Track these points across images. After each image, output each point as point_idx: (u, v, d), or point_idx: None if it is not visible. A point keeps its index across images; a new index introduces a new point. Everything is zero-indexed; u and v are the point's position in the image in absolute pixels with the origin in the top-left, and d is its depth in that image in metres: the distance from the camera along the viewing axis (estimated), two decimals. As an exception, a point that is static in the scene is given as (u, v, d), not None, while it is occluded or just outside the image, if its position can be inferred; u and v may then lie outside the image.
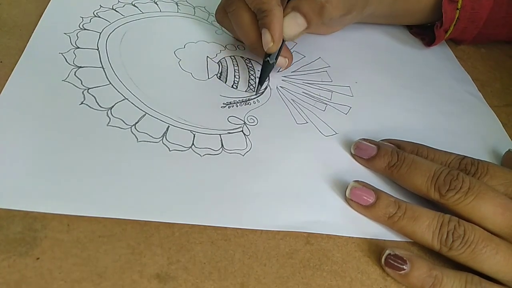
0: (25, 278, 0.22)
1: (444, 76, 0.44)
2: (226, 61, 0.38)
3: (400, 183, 0.31)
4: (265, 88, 0.37)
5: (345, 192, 0.30)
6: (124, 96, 0.32)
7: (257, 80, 0.37)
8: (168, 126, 0.31)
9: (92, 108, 0.31)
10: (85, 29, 0.36)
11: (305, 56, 0.41)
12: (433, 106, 0.40)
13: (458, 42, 0.49)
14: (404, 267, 0.26)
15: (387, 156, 0.31)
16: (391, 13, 0.44)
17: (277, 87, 0.37)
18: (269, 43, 0.33)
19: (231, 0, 0.35)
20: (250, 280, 0.25)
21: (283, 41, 0.34)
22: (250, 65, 0.38)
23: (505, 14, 0.45)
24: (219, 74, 0.36)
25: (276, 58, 0.35)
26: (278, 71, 0.38)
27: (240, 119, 0.33)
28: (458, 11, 0.43)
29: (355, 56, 0.43)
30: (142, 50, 0.36)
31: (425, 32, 0.47)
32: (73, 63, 0.33)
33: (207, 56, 0.38)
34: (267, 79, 0.37)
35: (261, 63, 0.35)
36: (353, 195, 0.29)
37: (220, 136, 0.32)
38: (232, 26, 0.36)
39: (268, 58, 0.35)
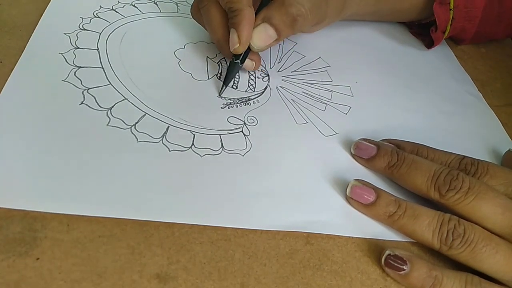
0: (25, 278, 0.22)
1: (444, 76, 0.44)
2: (226, 62, 0.38)
3: (400, 183, 0.31)
4: (265, 88, 0.36)
5: (346, 190, 0.30)
6: (124, 96, 0.32)
7: (257, 80, 0.37)
8: (168, 126, 0.31)
9: (92, 108, 0.31)
10: (85, 29, 0.36)
11: (305, 56, 0.41)
12: (433, 106, 0.40)
13: (459, 42, 0.49)
14: (404, 267, 0.26)
15: (387, 156, 0.31)
16: (376, 11, 0.44)
17: (277, 87, 0.37)
18: (235, 44, 0.32)
19: None
20: (250, 280, 0.25)
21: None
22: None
23: (498, 11, 0.45)
24: (219, 75, 0.36)
25: (244, 59, 0.34)
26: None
27: (240, 120, 0.33)
28: (451, 11, 0.43)
29: (355, 56, 0.43)
30: (142, 51, 0.36)
31: (425, 32, 0.47)
32: (73, 63, 0.33)
33: (207, 57, 0.38)
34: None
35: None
36: (353, 194, 0.29)
37: (220, 136, 0.32)
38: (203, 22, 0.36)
39: (234, 58, 0.34)
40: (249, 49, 0.34)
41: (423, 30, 0.48)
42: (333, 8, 0.37)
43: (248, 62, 0.35)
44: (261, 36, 0.33)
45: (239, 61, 0.34)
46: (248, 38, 0.32)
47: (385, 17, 0.47)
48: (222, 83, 0.35)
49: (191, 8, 0.37)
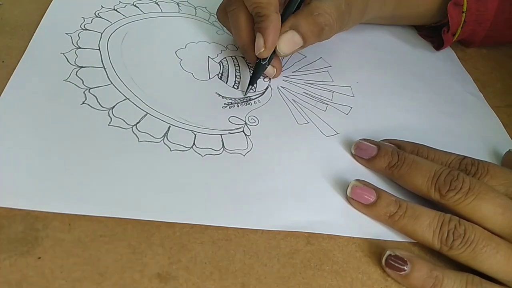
0: (27, 277, 0.22)
1: (445, 77, 0.44)
2: (227, 61, 0.38)
3: (401, 183, 0.31)
4: (266, 88, 0.37)
5: (346, 191, 0.30)
6: (125, 96, 0.32)
7: (258, 80, 0.37)
8: (169, 126, 0.31)
9: (94, 108, 0.31)
10: (86, 29, 0.37)
11: (306, 56, 0.41)
12: (434, 107, 0.40)
13: (467, 45, 0.49)
14: (405, 268, 0.26)
15: (388, 156, 0.31)
16: (393, 16, 0.45)
17: (278, 87, 0.37)
18: (261, 48, 0.33)
19: (231, 1, 0.35)
20: (251, 280, 0.25)
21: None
22: (251, 66, 0.38)
23: (509, 16, 0.45)
24: (220, 74, 0.36)
25: (269, 61, 0.35)
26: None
27: (241, 119, 0.33)
28: (464, 14, 0.43)
29: (356, 56, 0.43)
30: (143, 51, 0.36)
31: (434, 34, 0.47)
32: (75, 63, 0.33)
33: (208, 56, 0.38)
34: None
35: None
36: (354, 194, 0.29)
37: (221, 136, 0.32)
38: (230, 25, 0.36)
39: (261, 60, 0.35)
40: (273, 53, 0.34)
41: (432, 32, 0.48)
42: (354, 17, 0.37)
43: (270, 68, 0.36)
44: (288, 42, 0.33)
45: (266, 62, 0.34)
46: (274, 43, 0.33)
47: (400, 21, 0.48)
48: (224, 82, 0.35)
49: (217, 10, 0.38)
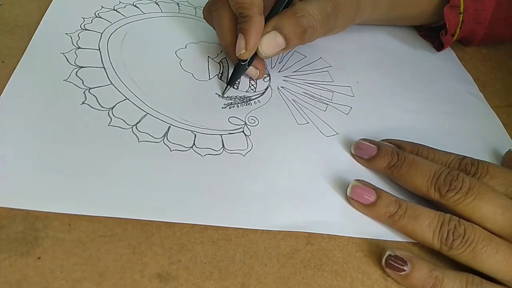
0: (27, 277, 0.22)
1: (445, 77, 0.44)
2: (227, 62, 0.38)
3: (400, 183, 0.31)
4: (266, 88, 0.37)
5: (346, 190, 0.30)
6: (125, 96, 0.32)
7: (258, 80, 0.37)
8: (169, 126, 0.31)
9: (94, 108, 0.31)
10: (86, 29, 0.37)
11: (306, 56, 0.41)
12: (434, 107, 0.40)
13: (467, 43, 0.49)
14: (405, 268, 0.26)
15: (387, 156, 0.31)
16: (387, 18, 0.45)
17: (278, 87, 0.37)
18: (242, 50, 0.32)
19: (215, 0, 0.34)
20: (251, 280, 0.25)
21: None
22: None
23: (507, 14, 0.45)
24: (220, 75, 0.36)
25: (250, 62, 0.34)
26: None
27: (241, 120, 0.33)
28: (461, 15, 0.44)
29: (356, 56, 0.43)
30: (143, 51, 0.36)
31: (433, 34, 0.47)
32: (75, 63, 0.33)
33: (208, 57, 0.38)
34: (239, 80, 0.36)
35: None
36: (354, 194, 0.29)
37: (221, 137, 0.32)
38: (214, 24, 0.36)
39: (241, 61, 0.34)
40: (255, 54, 0.34)
41: (432, 33, 0.48)
42: (343, 20, 0.37)
43: (252, 70, 0.35)
44: (270, 43, 0.33)
45: (246, 63, 0.34)
46: (255, 45, 0.32)
47: (396, 22, 0.47)
48: (225, 83, 0.35)
49: (203, 9, 0.37)
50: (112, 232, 0.25)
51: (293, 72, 0.39)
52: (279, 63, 0.40)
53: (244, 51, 0.32)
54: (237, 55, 0.33)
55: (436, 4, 0.44)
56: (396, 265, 0.26)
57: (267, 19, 0.33)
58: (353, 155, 0.33)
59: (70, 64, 0.33)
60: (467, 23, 0.44)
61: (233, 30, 0.33)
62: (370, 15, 0.41)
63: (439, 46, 0.47)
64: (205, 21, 0.38)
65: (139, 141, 0.29)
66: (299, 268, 0.26)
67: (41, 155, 0.27)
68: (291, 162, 0.31)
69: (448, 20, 0.43)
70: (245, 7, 0.32)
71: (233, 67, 0.35)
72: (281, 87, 0.37)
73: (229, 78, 0.35)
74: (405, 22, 0.48)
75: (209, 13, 0.36)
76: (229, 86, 0.35)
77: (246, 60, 0.34)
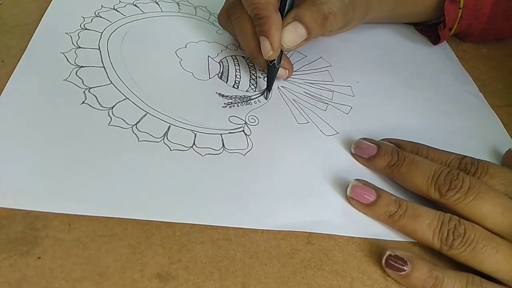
0: (27, 277, 0.22)
1: (445, 76, 0.44)
2: (227, 61, 0.38)
3: (400, 183, 0.31)
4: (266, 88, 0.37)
5: (346, 190, 0.30)
6: (125, 96, 0.32)
7: (258, 80, 0.37)
8: (169, 126, 0.31)
9: (93, 107, 0.31)
10: (86, 29, 0.36)
11: (306, 56, 0.41)
12: (434, 106, 0.40)
13: (464, 38, 0.49)
14: (405, 268, 0.26)
15: (387, 155, 0.31)
16: (391, 15, 0.45)
17: (278, 87, 0.37)
18: (269, 52, 0.32)
19: (234, 7, 0.35)
20: (251, 280, 0.25)
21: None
22: (251, 65, 0.38)
23: (506, 9, 0.45)
24: (220, 74, 0.36)
25: (279, 61, 0.34)
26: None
27: (241, 119, 0.33)
28: (460, 10, 0.44)
29: (357, 56, 0.43)
30: (143, 50, 0.36)
31: (430, 29, 0.48)
32: (75, 62, 0.33)
33: (208, 56, 0.38)
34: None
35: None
36: (354, 193, 0.29)
37: (221, 136, 0.32)
38: (235, 32, 0.36)
39: (270, 62, 0.34)
40: (281, 53, 0.34)
41: (429, 27, 0.48)
42: (359, 13, 0.37)
43: (281, 71, 0.36)
44: (291, 35, 0.32)
45: (275, 63, 0.34)
46: (280, 43, 0.32)
47: (399, 20, 0.48)
48: (224, 82, 0.35)
49: (218, 16, 0.37)
50: (112, 232, 0.25)
51: (293, 71, 0.39)
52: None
53: (272, 52, 0.32)
54: (265, 58, 0.33)
55: (438, 1, 0.44)
56: (396, 265, 0.26)
57: (285, 12, 0.33)
58: (353, 155, 0.33)
59: (70, 63, 0.33)
60: (465, 18, 0.45)
61: (256, 36, 0.33)
62: (377, 13, 0.42)
63: (435, 40, 0.47)
64: (205, 21, 0.38)
65: (139, 141, 0.29)
66: (299, 268, 0.26)
67: (41, 155, 0.27)
68: (291, 161, 0.31)
69: (447, 14, 0.44)
70: (261, 7, 0.32)
71: (267, 71, 0.35)
72: (281, 86, 0.37)
73: (266, 82, 0.35)
74: (408, 19, 0.48)
75: (226, 20, 0.36)
76: (268, 91, 0.35)
77: (274, 61, 0.34)
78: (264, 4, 0.32)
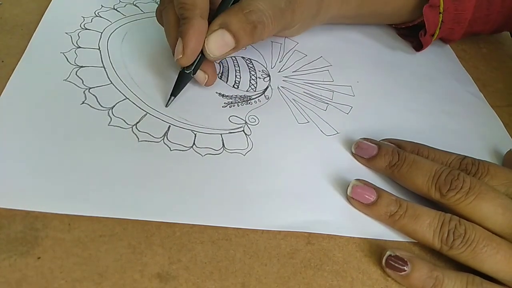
0: (26, 277, 0.22)
1: (445, 76, 0.44)
2: (227, 61, 0.38)
3: (401, 183, 0.31)
4: (266, 88, 0.36)
5: (346, 190, 0.30)
6: (125, 96, 0.32)
7: (258, 80, 0.37)
8: (169, 126, 0.31)
9: (93, 107, 0.31)
10: (86, 28, 0.36)
11: (306, 55, 0.41)
12: (434, 106, 0.40)
13: (446, 42, 0.48)
14: (405, 268, 0.26)
15: (388, 155, 0.31)
16: (358, 14, 0.43)
17: (278, 87, 0.37)
18: (179, 55, 0.30)
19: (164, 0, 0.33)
20: (251, 280, 0.25)
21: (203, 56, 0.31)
22: (251, 65, 0.38)
23: (487, 12, 0.45)
24: (220, 74, 0.36)
25: (196, 70, 0.32)
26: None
27: (241, 119, 0.33)
28: (441, 14, 0.42)
29: (357, 56, 0.43)
30: (143, 50, 0.36)
31: (412, 34, 0.46)
32: (74, 62, 0.33)
33: (208, 56, 0.38)
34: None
35: (262, 65, 0.35)
36: (354, 193, 0.29)
37: (221, 136, 0.32)
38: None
39: (186, 68, 0.32)
40: (202, 59, 0.31)
41: (411, 32, 0.47)
42: (302, 16, 0.35)
43: (200, 74, 0.33)
44: (217, 43, 0.30)
45: (191, 71, 0.31)
46: (194, 50, 0.30)
47: (368, 20, 0.46)
48: (224, 82, 0.35)
49: (156, 11, 0.35)
50: (112, 232, 0.25)
51: (293, 72, 0.39)
52: (279, 62, 0.40)
53: (181, 56, 0.30)
54: (175, 61, 0.31)
55: (410, 2, 0.43)
56: (396, 265, 0.26)
57: (214, 17, 0.31)
58: (354, 155, 0.33)
59: (70, 63, 0.33)
60: (446, 23, 0.43)
61: (176, 29, 0.31)
62: (339, 11, 0.40)
63: (417, 46, 0.46)
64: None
65: (139, 141, 0.29)
66: (299, 268, 0.26)
67: (41, 155, 0.27)
68: (291, 161, 0.31)
69: (427, 20, 0.42)
70: (186, 8, 0.30)
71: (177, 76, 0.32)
72: (281, 86, 0.37)
73: (172, 88, 0.32)
74: (378, 20, 0.46)
75: (160, 14, 0.34)
76: (172, 97, 0.32)
77: (190, 68, 0.31)
78: (189, 5, 0.30)
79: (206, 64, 0.33)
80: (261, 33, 0.31)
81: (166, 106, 0.32)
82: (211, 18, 0.31)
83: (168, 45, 0.33)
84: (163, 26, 0.34)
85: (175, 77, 0.34)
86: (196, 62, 0.31)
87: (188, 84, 0.33)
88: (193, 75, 0.32)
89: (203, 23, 0.30)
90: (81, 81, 0.32)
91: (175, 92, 0.32)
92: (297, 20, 0.35)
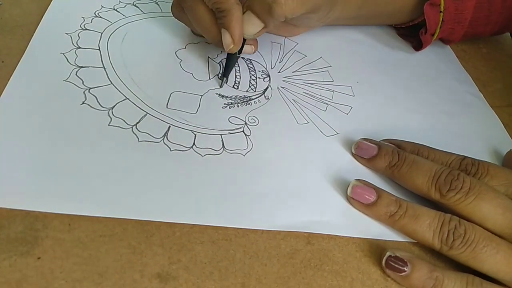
0: (26, 277, 0.22)
1: (445, 77, 0.44)
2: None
3: (401, 183, 0.31)
4: (266, 88, 0.37)
5: (346, 190, 0.30)
6: (125, 96, 0.32)
7: (258, 80, 0.37)
8: (169, 126, 0.31)
9: (94, 108, 0.31)
10: (86, 29, 0.36)
11: (306, 56, 0.41)
12: (434, 107, 0.40)
13: (447, 42, 0.48)
14: (405, 268, 0.26)
15: (388, 156, 0.31)
16: (359, 15, 0.43)
17: (278, 87, 0.37)
18: (230, 45, 0.32)
19: None
20: (251, 280, 0.25)
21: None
22: (251, 66, 0.38)
23: (487, 13, 0.45)
24: (220, 75, 0.36)
25: (241, 50, 0.34)
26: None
27: (241, 119, 0.33)
28: (441, 13, 0.42)
29: (357, 56, 0.43)
30: (143, 51, 0.36)
31: (412, 34, 0.46)
32: (75, 63, 0.33)
33: (208, 57, 0.38)
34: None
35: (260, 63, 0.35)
36: (354, 194, 0.29)
37: (221, 136, 0.32)
38: (190, 21, 0.35)
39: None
40: (244, 40, 0.33)
41: (410, 32, 0.47)
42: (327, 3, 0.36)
43: (247, 47, 0.35)
44: (248, 25, 0.32)
45: (237, 52, 0.34)
46: (241, 36, 0.32)
47: (368, 21, 0.46)
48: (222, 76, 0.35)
49: (171, 7, 0.36)
50: (112, 232, 0.25)
51: (293, 72, 0.39)
52: (279, 62, 0.40)
53: (233, 45, 0.32)
54: (226, 51, 0.33)
55: (410, 1, 0.43)
56: (396, 266, 0.26)
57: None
58: (354, 155, 0.33)
59: (70, 64, 0.33)
60: (447, 23, 0.43)
61: (215, 23, 0.33)
62: (341, 12, 0.40)
63: (417, 46, 0.46)
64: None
65: (139, 141, 0.29)
66: (299, 268, 0.26)
67: (41, 155, 0.27)
68: (291, 162, 0.31)
69: (428, 18, 0.42)
70: (221, 1, 0.31)
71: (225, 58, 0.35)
72: (281, 87, 0.37)
73: (223, 68, 0.35)
74: (379, 20, 0.46)
75: (180, 10, 0.35)
76: (225, 78, 0.35)
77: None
78: None
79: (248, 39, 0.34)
80: (278, 12, 0.32)
81: (221, 86, 0.35)
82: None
83: (169, 44, 0.33)
84: (182, 22, 0.36)
85: (175, 77, 0.34)
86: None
87: (188, 84, 0.33)
88: (239, 54, 0.35)
89: (240, 9, 0.32)
90: (81, 81, 0.32)
91: (226, 72, 0.35)
92: (315, 9, 0.35)
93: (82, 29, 0.36)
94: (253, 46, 0.36)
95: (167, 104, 0.32)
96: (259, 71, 0.38)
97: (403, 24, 0.46)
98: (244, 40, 0.34)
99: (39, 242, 0.24)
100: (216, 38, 0.33)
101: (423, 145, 0.32)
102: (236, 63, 0.38)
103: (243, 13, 0.32)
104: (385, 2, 0.43)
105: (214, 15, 0.32)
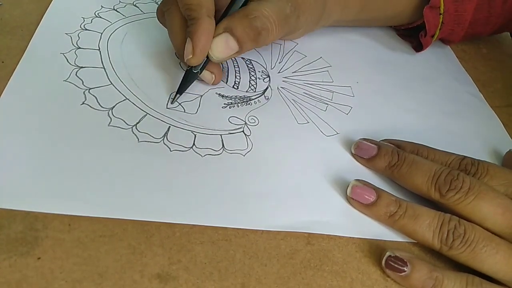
0: (26, 277, 0.22)
1: (445, 77, 0.44)
2: (226, 62, 0.38)
3: (401, 183, 0.31)
4: (266, 89, 0.37)
5: (346, 190, 0.30)
6: (125, 96, 0.32)
7: (258, 81, 0.37)
8: (169, 127, 0.31)
9: (93, 108, 0.31)
10: (86, 29, 0.36)
11: (306, 56, 0.41)
12: (434, 107, 0.40)
13: (447, 43, 0.48)
14: (405, 269, 0.26)
15: (388, 156, 0.31)
16: (359, 18, 0.43)
17: (278, 88, 0.37)
18: (189, 55, 0.30)
19: (166, 0, 0.33)
20: (251, 280, 0.25)
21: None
22: (251, 66, 0.38)
23: (487, 14, 0.45)
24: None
25: (202, 69, 0.32)
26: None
27: (241, 119, 0.33)
28: (441, 16, 0.43)
29: (356, 56, 0.43)
30: (143, 51, 0.36)
31: (412, 35, 0.46)
32: (74, 63, 0.33)
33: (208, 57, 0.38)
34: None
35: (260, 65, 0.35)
36: (354, 194, 0.29)
37: (221, 137, 0.32)
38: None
39: (193, 68, 0.32)
40: (208, 59, 0.32)
41: (410, 33, 0.47)
42: (307, 22, 0.35)
43: (207, 74, 0.33)
44: (221, 46, 0.31)
45: (198, 70, 0.32)
46: (204, 50, 0.30)
47: (368, 23, 0.46)
48: (224, 83, 0.35)
49: (157, 11, 0.35)
50: (112, 233, 0.25)
51: (292, 72, 0.39)
52: (279, 63, 0.40)
53: (191, 56, 0.30)
54: (185, 61, 0.31)
55: (410, 5, 0.43)
56: (396, 266, 0.26)
57: (220, 21, 0.31)
58: (353, 155, 0.33)
59: (70, 64, 0.33)
60: (447, 24, 0.43)
61: (184, 29, 0.31)
62: (340, 16, 0.40)
63: (417, 46, 0.46)
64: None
65: (139, 141, 0.29)
66: (299, 268, 0.26)
67: (41, 155, 0.27)
68: (291, 162, 0.31)
69: (427, 21, 0.42)
70: (192, 8, 0.30)
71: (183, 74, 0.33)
72: (281, 87, 0.37)
73: (178, 86, 0.32)
74: (379, 23, 0.46)
75: (162, 14, 0.34)
76: (178, 94, 0.32)
77: (197, 67, 0.32)
78: (195, 6, 0.30)
79: (213, 64, 0.33)
80: (265, 39, 0.31)
81: (172, 103, 0.33)
82: (216, 17, 0.31)
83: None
84: (164, 26, 0.35)
85: (175, 77, 0.34)
86: (203, 61, 0.32)
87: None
88: (200, 73, 0.32)
89: (211, 22, 0.30)
90: (81, 81, 0.32)
91: (181, 90, 0.32)
92: (301, 26, 0.35)
93: (82, 29, 0.36)
94: (214, 75, 0.33)
95: (167, 104, 0.33)
96: (259, 72, 0.38)
97: (403, 26, 0.47)
98: (207, 60, 0.32)
99: (39, 242, 0.24)
100: (179, 46, 0.32)
101: (423, 145, 0.32)
102: (236, 63, 0.38)
103: (218, 34, 0.30)
104: (385, 6, 0.43)
105: (186, 24, 0.31)
